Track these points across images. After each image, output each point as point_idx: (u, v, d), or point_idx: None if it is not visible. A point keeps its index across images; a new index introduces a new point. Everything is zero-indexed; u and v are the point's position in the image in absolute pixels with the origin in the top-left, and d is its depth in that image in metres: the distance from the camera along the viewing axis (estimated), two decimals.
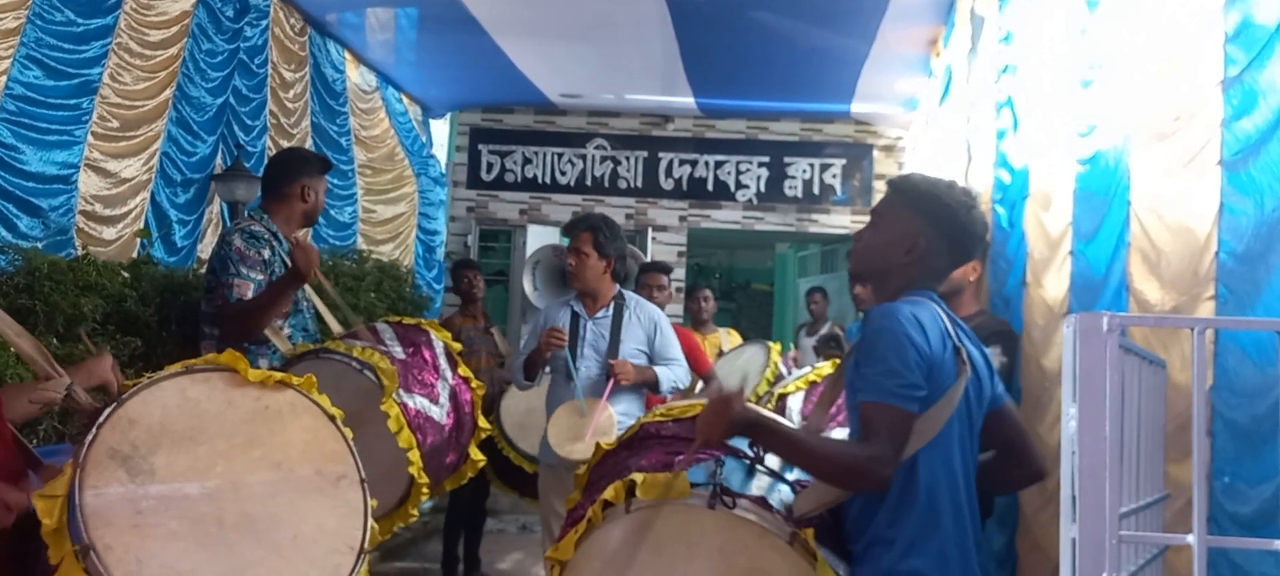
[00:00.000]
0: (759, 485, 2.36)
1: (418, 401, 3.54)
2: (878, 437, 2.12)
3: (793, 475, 2.42)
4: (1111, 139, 3.36)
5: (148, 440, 2.27)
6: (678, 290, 10.16)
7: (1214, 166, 2.55)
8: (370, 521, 2.44)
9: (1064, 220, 3.79)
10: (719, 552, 2.22)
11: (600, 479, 2.53)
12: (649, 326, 4.51)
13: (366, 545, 2.41)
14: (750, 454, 2.42)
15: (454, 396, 3.82)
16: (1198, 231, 2.62)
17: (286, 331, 3.78)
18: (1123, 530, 1.55)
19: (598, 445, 2.69)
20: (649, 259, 9.56)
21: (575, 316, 4.52)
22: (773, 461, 2.44)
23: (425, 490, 3.39)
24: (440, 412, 3.69)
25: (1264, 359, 2.26)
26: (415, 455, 3.31)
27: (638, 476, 2.30)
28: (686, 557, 2.23)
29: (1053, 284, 3.88)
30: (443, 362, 3.87)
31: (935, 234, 2.35)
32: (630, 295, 4.64)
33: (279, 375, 2.51)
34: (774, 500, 2.30)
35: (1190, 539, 1.47)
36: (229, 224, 5.94)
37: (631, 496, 2.29)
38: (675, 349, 4.56)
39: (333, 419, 2.49)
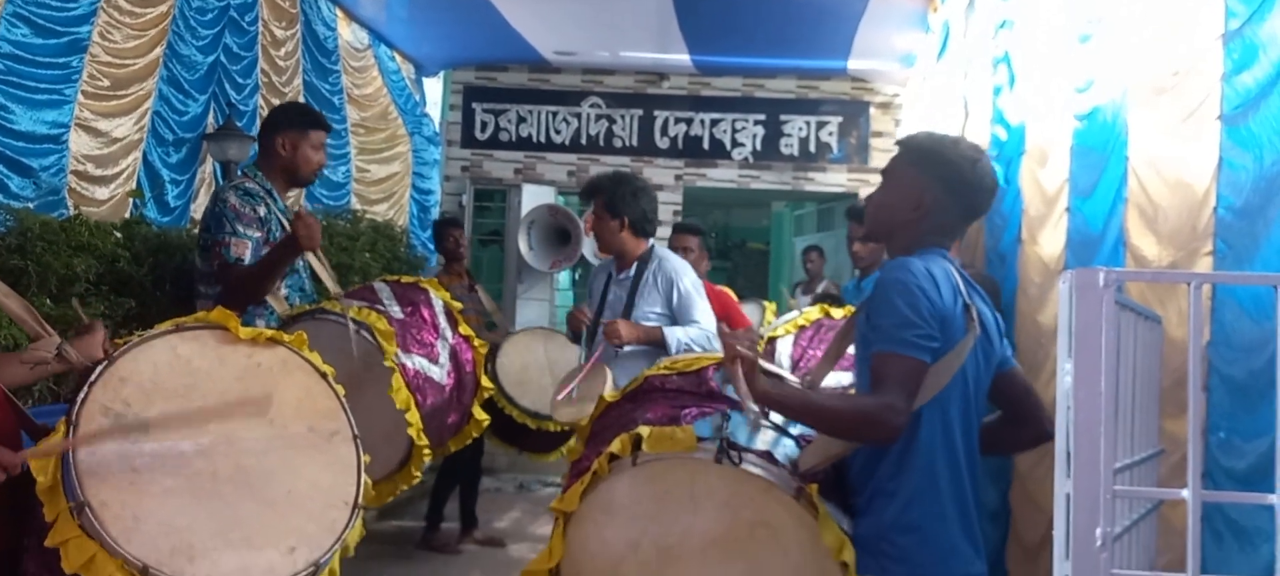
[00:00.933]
0: (764, 438, 2.37)
1: (416, 361, 3.52)
2: (890, 387, 2.12)
3: (796, 429, 2.43)
4: (1110, 94, 3.34)
5: (140, 398, 2.27)
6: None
7: (1213, 121, 2.53)
8: (364, 477, 2.44)
9: (1061, 176, 3.77)
10: (725, 505, 2.23)
11: (604, 430, 2.54)
12: (666, 288, 4.32)
13: (361, 500, 2.42)
14: (756, 408, 2.42)
15: (454, 355, 3.80)
16: (1196, 186, 2.61)
17: (283, 292, 3.75)
18: (1117, 485, 1.56)
19: (601, 398, 2.69)
20: None
21: (609, 277, 4.47)
22: (777, 415, 2.44)
23: (426, 452, 3.38)
24: (440, 372, 3.68)
25: (1261, 313, 2.26)
26: (414, 416, 3.30)
27: (644, 430, 2.31)
28: (692, 510, 2.24)
29: (1049, 240, 3.87)
30: (442, 321, 3.84)
31: (942, 190, 2.33)
32: (659, 252, 4.45)
33: (270, 332, 2.50)
34: (779, 454, 2.31)
35: (1185, 493, 1.48)
36: (222, 183, 5.91)
37: (638, 449, 2.29)
38: (698, 311, 4.33)
39: (324, 376, 2.49)
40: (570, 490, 2.36)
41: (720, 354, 2.62)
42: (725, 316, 5.36)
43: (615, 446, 2.31)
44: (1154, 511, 2.08)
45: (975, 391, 2.32)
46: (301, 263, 3.79)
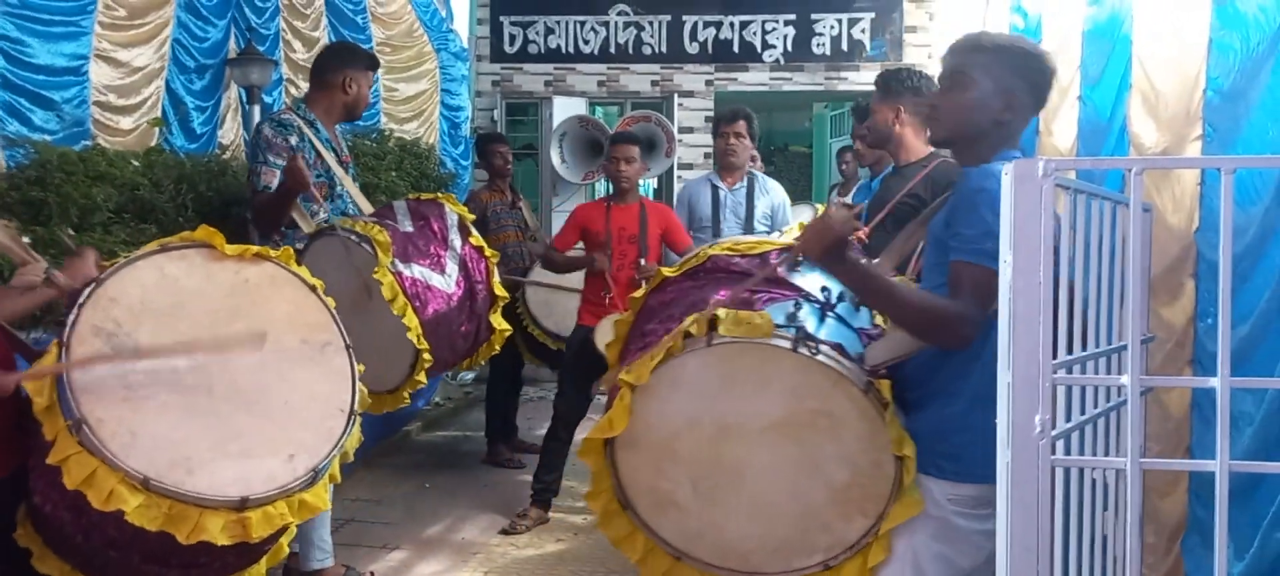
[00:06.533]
0: (829, 331, 2.39)
1: (415, 271, 3.60)
2: (966, 296, 2.14)
3: (858, 324, 2.45)
4: None
5: (129, 317, 2.33)
6: (706, 156, 10.05)
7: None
8: (359, 384, 2.50)
9: (1073, 64, 3.68)
10: (791, 393, 2.28)
11: (664, 306, 2.56)
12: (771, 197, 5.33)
13: (357, 407, 2.47)
14: (822, 298, 2.46)
15: (464, 265, 3.87)
16: (1189, 69, 2.55)
17: (323, 215, 3.93)
18: (1063, 373, 1.56)
19: (660, 271, 2.68)
20: (676, 127, 9.45)
21: (715, 189, 5.34)
22: (843, 309, 2.47)
23: (427, 356, 3.46)
24: (446, 281, 3.75)
25: (1246, 198, 2.22)
26: (410, 320, 3.38)
27: (722, 311, 2.33)
28: (757, 394, 2.30)
29: (1062, 132, 3.80)
30: (453, 234, 3.91)
31: (1026, 89, 2.28)
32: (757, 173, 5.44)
33: (256, 249, 2.54)
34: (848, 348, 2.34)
35: (1123, 379, 1.48)
36: (247, 108, 6.00)
37: (713, 330, 2.32)
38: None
39: (313, 289, 2.53)
40: (639, 361, 2.37)
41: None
42: (666, 233, 5.28)
43: (691, 325, 2.33)
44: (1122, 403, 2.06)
45: None
46: (343, 189, 4.06)
